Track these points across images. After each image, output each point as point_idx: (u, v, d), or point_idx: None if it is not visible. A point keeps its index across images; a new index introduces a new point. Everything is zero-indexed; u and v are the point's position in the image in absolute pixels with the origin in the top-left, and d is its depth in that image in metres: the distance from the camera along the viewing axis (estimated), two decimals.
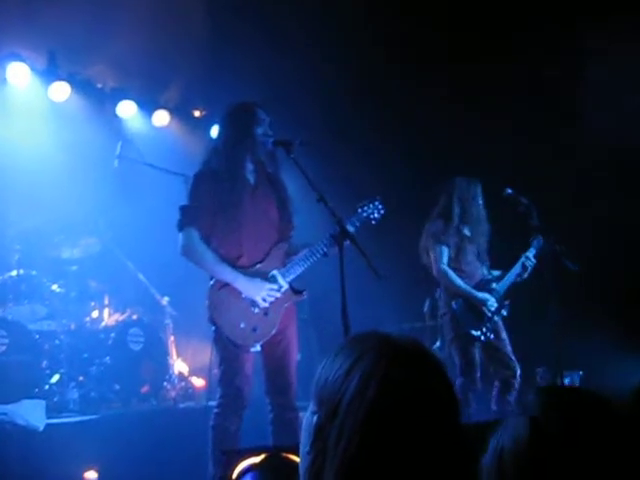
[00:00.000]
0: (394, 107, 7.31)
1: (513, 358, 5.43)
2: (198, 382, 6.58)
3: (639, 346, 6.11)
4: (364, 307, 4.95)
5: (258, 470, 2.73)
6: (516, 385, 5.37)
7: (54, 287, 6.07)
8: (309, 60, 7.28)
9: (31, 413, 4.83)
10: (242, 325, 3.98)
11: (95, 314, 6.51)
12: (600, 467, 1.15)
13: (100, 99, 7.34)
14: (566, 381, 5.84)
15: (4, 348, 5.39)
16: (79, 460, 4.70)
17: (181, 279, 6.07)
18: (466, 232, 5.54)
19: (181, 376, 6.46)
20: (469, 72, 6.85)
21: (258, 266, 4.09)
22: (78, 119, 6.98)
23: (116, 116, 7.42)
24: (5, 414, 4.74)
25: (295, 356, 4.19)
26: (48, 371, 5.71)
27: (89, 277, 6.45)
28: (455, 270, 5.44)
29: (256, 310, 4.01)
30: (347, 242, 3.79)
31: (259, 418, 4.16)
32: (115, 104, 7.39)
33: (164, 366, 6.24)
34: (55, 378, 5.71)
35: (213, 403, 4.12)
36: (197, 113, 8.13)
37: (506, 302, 5.49)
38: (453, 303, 5.39)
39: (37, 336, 5.69)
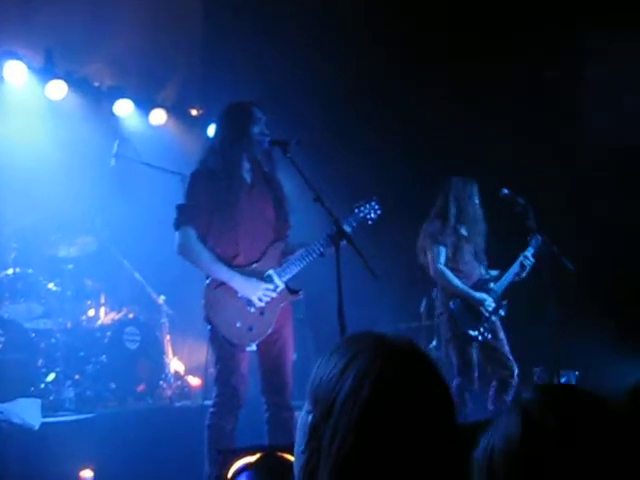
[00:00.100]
0: (394, 107, 7.30)
1: (511, 358, 5.42)
2: (194, 381, 6.58)
3: (636, 346, 6.10)
4: (360, 307, 4.94)
5: (253, 469, 2.73)
6: (514, 385, 5.37)
7: (50, 285, 6.06)
8: (308, 60, 7.28)
9: (27, 412, 4.82)
10: (238, 324, 3.97)
11: (91, 313, 6.51)
12: (595, 467, 1.14)
13: (97, 97, 7.33)
14: (562, 380, 5.85)
15: (0, 346, 5.38)
16: (75, 459, 4.70)
17: (177, 278, 6.08)
18: (463, 232, 5.53)
19: (177, 375, 6.46)
20: (469, 72, 6.85)
21: (254, 265, 4.08)
22: (75, 117, 6.97)
23: (113, 115, 7.41)
24: (1, 413, 4.73)
25: (291, 356, 4.19)
26: (44, 370, 5.70)
27: (85, 275, 6.44)
28: (453, 270, 5.43)
29: (252, 309, 4.01)
30: (344, 242, 3.79)
31: (255, 417, 4.15)
32: (112, 103, 7.37)
33: (160, 365, 6.24)
34: (51, 377, 5.70)
35: (209, 402, 4.12)
36: (194, 112, 8.13)
37: (504, 302, 5.48)
38: (451, 303, 5.38)
39: (33, 334, 5.69)
